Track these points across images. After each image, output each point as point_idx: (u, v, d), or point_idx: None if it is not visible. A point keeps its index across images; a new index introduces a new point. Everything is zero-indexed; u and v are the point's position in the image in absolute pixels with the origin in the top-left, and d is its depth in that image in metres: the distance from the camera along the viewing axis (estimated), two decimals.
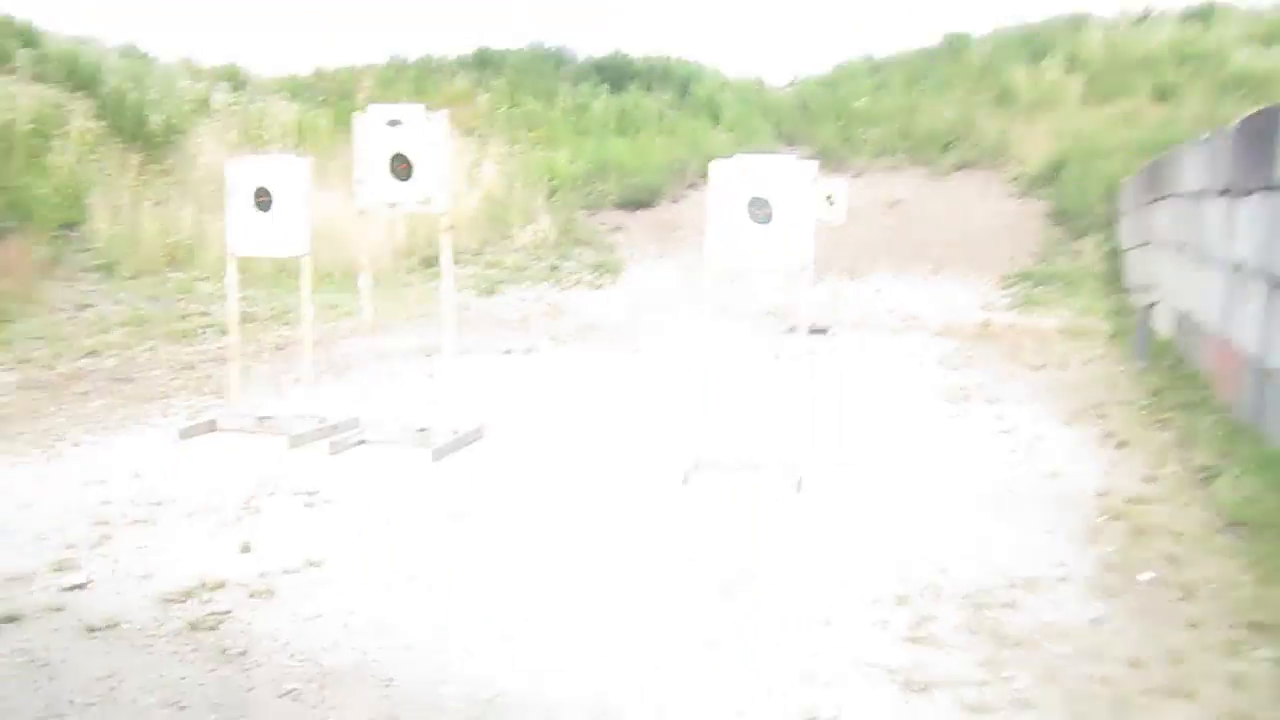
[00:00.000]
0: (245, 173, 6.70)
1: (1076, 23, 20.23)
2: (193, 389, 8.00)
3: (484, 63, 22.67)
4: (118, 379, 8.31)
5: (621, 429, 6.94)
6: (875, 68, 20.85)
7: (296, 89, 21.24)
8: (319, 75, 22.66)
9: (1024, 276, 13.80)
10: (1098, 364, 9.38)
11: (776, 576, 4.21)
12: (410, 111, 6.21)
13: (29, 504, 4.99)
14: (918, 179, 16.91)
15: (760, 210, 5.69)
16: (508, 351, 10.18)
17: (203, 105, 18.46)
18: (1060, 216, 15.15)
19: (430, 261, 15.51)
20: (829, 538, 4.73)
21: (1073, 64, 18.70)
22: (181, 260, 12.73)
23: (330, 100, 19.94)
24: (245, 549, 4.39)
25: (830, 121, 18.65)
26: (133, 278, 11.90)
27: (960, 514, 5.11)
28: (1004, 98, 18.19)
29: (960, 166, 17.07)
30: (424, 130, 6.15)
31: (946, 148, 17.39)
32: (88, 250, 12.18)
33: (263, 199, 6.62)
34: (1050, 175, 15.92)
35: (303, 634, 3.54)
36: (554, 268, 15.27)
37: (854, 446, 6.46)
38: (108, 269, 11.88)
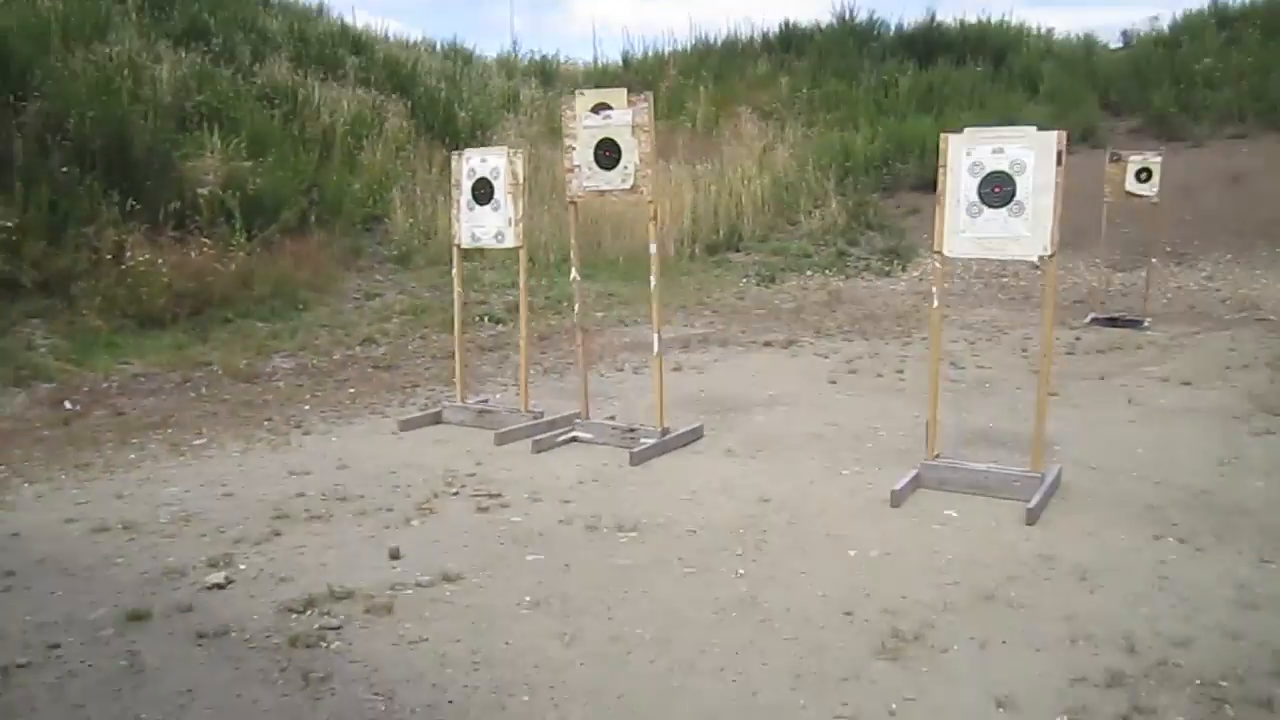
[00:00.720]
0: (467, 166, 6.67)
1: None
2: (444, 379, 8.12)
3: (787, 43, 22.20)
4: (379, 366, 8.64)
5: (854, 435, 6.26)
6: (1226, 20, 18.19)
7: (604, 79, 21.72)
8: (626, 65, 23.08)
9: None
10: None
11: (958, 634, 3.47)
12: (615, 97, 5.90)
13: (231, 494, 5.14)
14: (1270, 147, 14.54)
15: (998, 188, 4.86)
16: (766, 344, 9.68)
17: (512, 101, 19.31)
18: None
19: (714, 248, 15.25)
20: (1045, 588, 3.89)
21: None
22: (471, 250, 13.20)
23: (634, 89, 20.22)
24: (394, 555, 4.23)
25: (1167, 85, 16.48)
26: (424, 267, 12.47)
27: (1229, 568, 4.06)
28: None
29: None
30: (629, 116, 5.82)
31: None
32: (388, 242, 12.93)
33: (482, 190, 6.57)
34: None
35: (395, 662, 3.28)
36: (841, 254, 14.53)
37: (1119, 469, 5.43)
38: (402, 259, 12.52)
